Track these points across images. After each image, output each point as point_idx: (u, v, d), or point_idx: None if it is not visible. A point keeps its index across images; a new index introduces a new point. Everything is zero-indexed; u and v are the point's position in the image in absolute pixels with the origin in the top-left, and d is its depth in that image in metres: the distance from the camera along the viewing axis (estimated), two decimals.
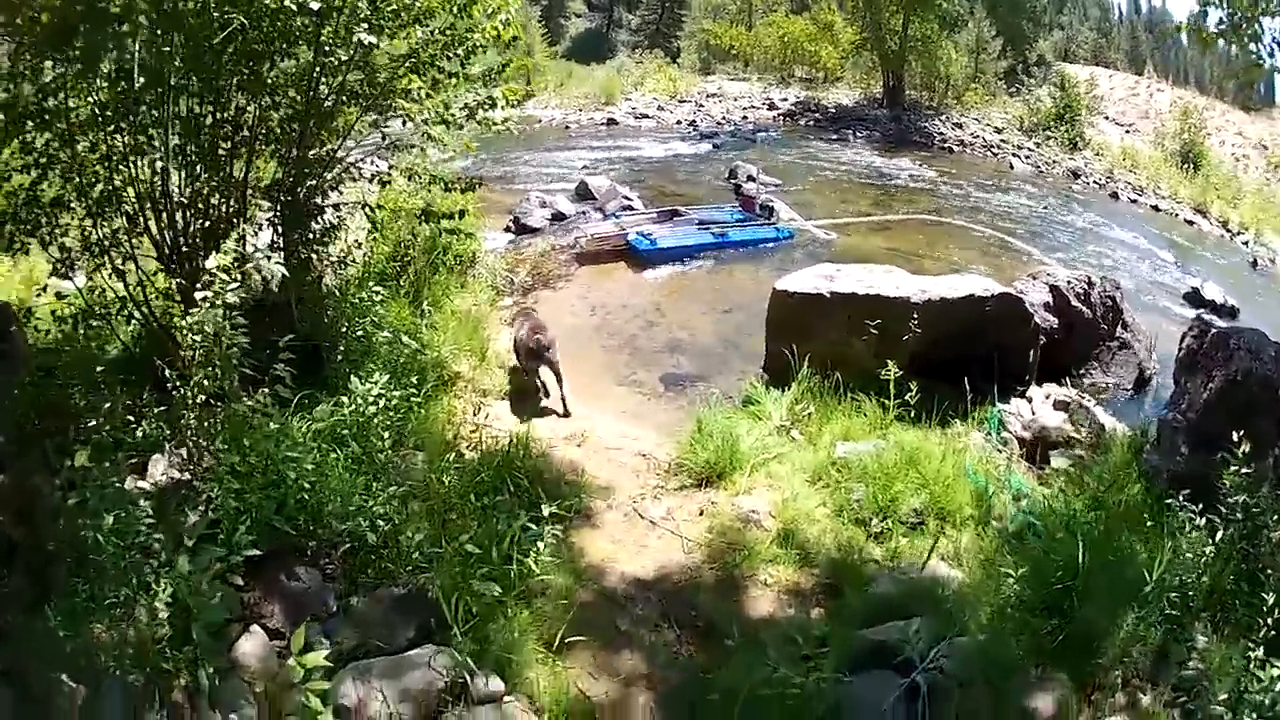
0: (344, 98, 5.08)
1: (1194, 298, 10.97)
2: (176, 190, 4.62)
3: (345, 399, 4.56)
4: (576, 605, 4.02)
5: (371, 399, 4.50)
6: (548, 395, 6.34)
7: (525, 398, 6.30)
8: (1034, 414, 6.39)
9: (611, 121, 21.59)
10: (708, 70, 29.04)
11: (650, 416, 6.67)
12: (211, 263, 4.08)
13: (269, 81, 4.91)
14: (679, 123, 21.90)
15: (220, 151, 4.92)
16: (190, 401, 3.81)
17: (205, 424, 3.84)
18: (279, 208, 5.23)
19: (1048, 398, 6.64)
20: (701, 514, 5.00)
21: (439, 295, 7.50)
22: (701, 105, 23.89)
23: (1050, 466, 5.74)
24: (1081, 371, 7.52)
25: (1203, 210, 17.33)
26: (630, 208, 12.44)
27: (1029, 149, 20.23)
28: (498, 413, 5.94)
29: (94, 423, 3.95)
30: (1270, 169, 22.05)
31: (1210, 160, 20.76)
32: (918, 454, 5.30)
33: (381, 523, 3.78)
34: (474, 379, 6.42)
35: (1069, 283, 7.62)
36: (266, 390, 3.97)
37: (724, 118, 22.57)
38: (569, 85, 24.87)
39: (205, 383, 3.80)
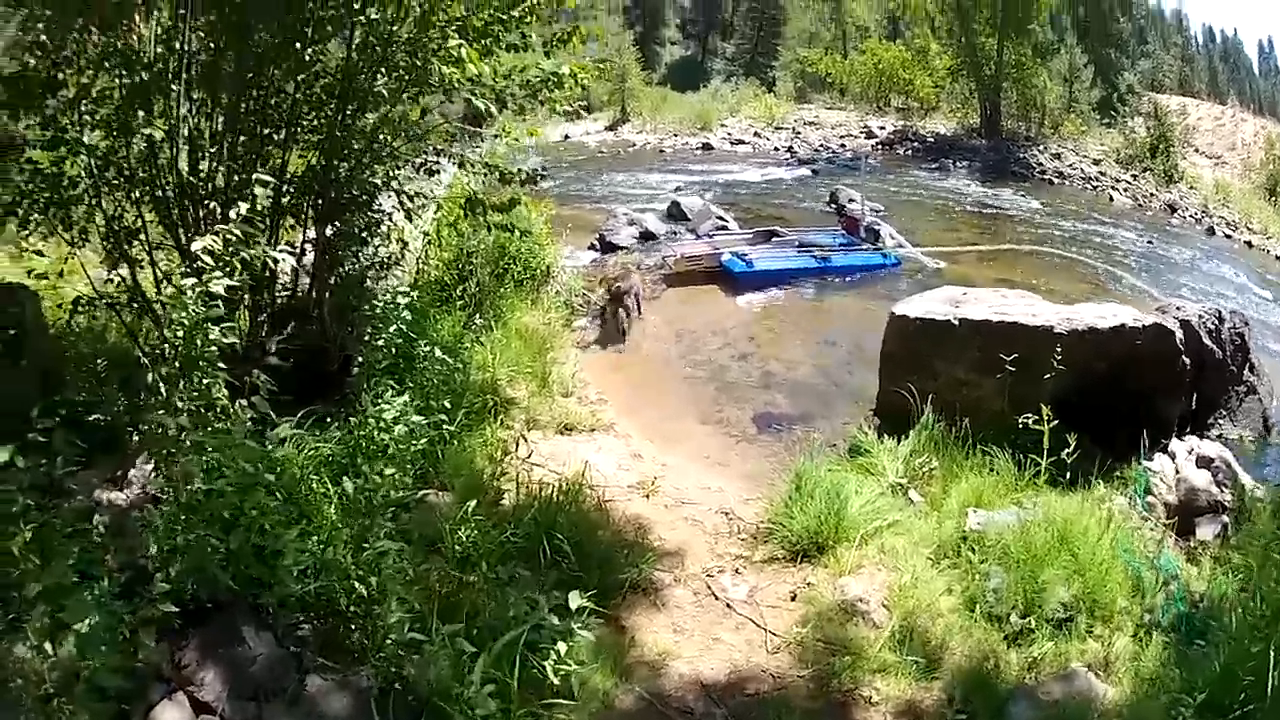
0: (384, 69, 4.33)
1: None
2: (186, 170, 3.96)
3: (354, 420, 3.70)
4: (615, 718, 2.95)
5: (384, 424, 3.61)
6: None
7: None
8: (1179, 473, 5.04)
9: (707, 146, 20.98)
10: (803, 98, 28.11)
11: (737, 464, 5.61)
12: (198, 246, 3.38)
13: (306, 58, 4.24)
14: (776, 149, 21.06)
15: (242, 133, 4.26)
16: (165, 407, 3.07)
17: (172, 435, 3.07)
18: (312, 198, 4.58)
19: (1190, 453, 5.26)
20: (794, 598, 3.85)
21: (502, 310, 6.69)
22: (798, 132, 22.96)
23: (1195, 538, 4.57)
24: (1211, 420, 6.18)
25: None
26: (724, 228, 11.48)
27: (1126, 181, 19.15)
28: (553, 450, 4.97)
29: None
30: None
31: None
32: (1070, 528, 4.01)
33: (360, 586, 2.83)
34: (530, 407, 5.48)
35: (1200, 317, 6.21)
36: (245, 402, 3.16)
37: (821, 144, 21.58)
38: (663, 111, 24.34)
39: (181, 385, 3.07)
